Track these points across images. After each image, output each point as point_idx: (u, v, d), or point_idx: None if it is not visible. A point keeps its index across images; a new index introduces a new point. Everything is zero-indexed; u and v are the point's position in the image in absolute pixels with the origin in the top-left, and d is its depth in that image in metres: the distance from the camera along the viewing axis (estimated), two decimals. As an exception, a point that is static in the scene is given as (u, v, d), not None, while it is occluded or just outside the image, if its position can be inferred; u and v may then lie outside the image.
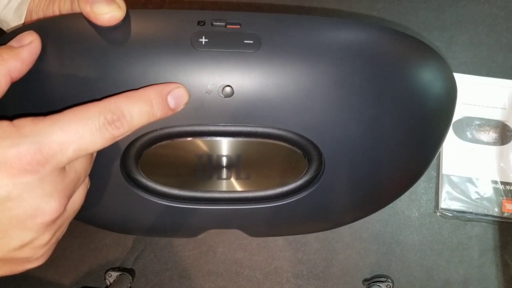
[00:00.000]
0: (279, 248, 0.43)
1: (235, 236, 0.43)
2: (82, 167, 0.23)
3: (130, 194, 0.28)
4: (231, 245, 0.43)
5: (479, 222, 0.42)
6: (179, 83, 0.24)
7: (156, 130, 0.26)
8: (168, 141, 0.27)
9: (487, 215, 0.41)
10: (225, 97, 0.25)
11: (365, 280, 0.42)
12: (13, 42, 0.24)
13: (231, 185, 0.29)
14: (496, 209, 0.41)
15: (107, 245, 0.43)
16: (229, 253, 0.43)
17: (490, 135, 0.42)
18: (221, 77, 0.25)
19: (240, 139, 0.28)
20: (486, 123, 0.42)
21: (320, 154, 0.28)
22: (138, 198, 0.28)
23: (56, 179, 0.21)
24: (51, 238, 0.23)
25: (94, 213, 0.29)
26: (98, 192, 0.28)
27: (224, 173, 0.29)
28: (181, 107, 0.24)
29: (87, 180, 0.25)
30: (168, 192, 0.29)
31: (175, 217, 0.29)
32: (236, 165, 0.29)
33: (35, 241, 0.22)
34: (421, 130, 0.29)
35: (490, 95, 0.43)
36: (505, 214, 0.41)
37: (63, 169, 0.22)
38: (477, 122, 0.43)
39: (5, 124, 0.20)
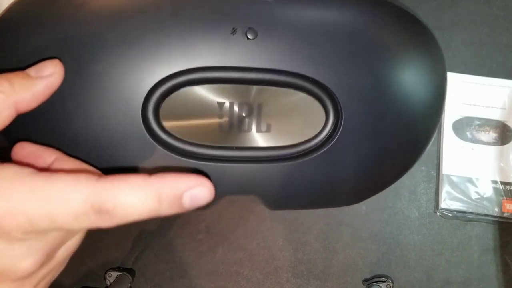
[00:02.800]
0: (279, 248, 0.43)
1: (235, 236, 0.43)
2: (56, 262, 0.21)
3: (146, 145, 0.26)
4: (231, 245, 0.43)
5: (479, 222, 0.42)
6: (203, 178, 0.20)
7: (176, 76, 0.26)
8: (189, 87, 0.27)
9: (487, 215, 0.41)
10: (248, 39, 0.26)
11: (365, 280, 0.42)
12: (31, 70, 0.21)
13: (250, 139, 0.29)
14: (496, 209, 0.41)
15: (107, 245, 0.43)
16: (229, 253, 0.43)
17: (490, 135, 0.42)
18: (245, 18, 0.26)
19: (261, 86, 0.28)
20: (486, 123, 0.42)
21: (337, 107, 0.28)
22: (153, 150, 0.26)
23: (30, 241, 0.19)
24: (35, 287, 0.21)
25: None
26: (113, 140, 0.26)
27: (245, 124, 0.28)
28: (197, 206, 0.20)
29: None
30: (182, 148, 0.27)
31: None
32: (257, 115, 0.28)
33: None
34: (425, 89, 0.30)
35: (490, 95, 0.43)
36: (505, 214, 0.41)
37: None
38: (477, 122, 0.43)
39: None
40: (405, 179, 0.43)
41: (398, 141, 0.30)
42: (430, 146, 0.32)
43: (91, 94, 0.25)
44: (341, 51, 0.27)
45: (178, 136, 0.27)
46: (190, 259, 0.43)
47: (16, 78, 0.21)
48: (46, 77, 0.21)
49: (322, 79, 0.27)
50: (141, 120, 0.26)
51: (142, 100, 0.26)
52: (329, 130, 0.29)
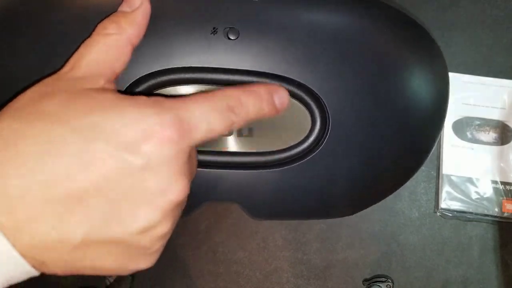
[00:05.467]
0: (279, 248, 0.43)
1: (235, 236, 0.43)
2: (196, 162, 0.23)
3: None
4: (231, 245, 0.43)
5: (479, 222, 0.42)
6: (281, 86, 0.24)
7: (158, 74, 0.25)
8: (167, 88, 0.26)
9: (487, 215, 0.41)
10: (229, 39, 0.25)
11: (365, 280, 0.42)
12: (124, 7, 0.23)
13: (231, 144, 0.27)
14: (496, 209, 0.41)
15: (107, 245, 0.43)
16: (229, 253, 0.43)
17: (490, 135, 0.42)
18: (226, 17, 0.25)
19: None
20: (486, 123, 0.42)
21: (324, 112, 0.27)
22: None
23: (188, 158, 0.20)
24: (171, 229, 0.22)
25: None
26: None
27: None
28: (283, 109, 0.23)
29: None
30: None
31: None
32: None
33: (157, 227, 0.20)
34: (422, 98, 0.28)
35: (490, 95, 0.43)
36: (505, 214, 0.41)
37: (191, 151, 0.21)
38: (477, 122, 0.43)
39: (144, 97, 0.20)
40: (405, 179, 0.43)
41: (393, 150, 0.28)
42: (426, 160, 0.31)
43: None
44: (328, 53, 0.26)
45: None
46: (190, 259, 0.43)
47: (119, 18, 0.23)
48: (140, 7, 0.23)
49: (307, 82, 0.26)
50: None
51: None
52: (315, 137, 0.27)
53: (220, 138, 0.27)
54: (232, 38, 0.25)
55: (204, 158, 0.27)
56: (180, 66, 0.25)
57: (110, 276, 0.41)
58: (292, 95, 0.26)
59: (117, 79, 0.23)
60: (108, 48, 0.22)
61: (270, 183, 0.27)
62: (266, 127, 0.27)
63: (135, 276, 0.42)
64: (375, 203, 0.32)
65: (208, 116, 0.20)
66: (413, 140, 0.29)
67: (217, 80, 0.26)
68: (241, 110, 0.21)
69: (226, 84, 0.26)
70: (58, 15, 0.25)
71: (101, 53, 0.22)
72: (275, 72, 0.26)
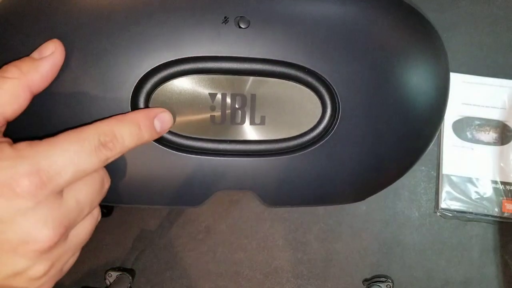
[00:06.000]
0: (279, 248, 0.43)
1: (235, 236, 0.43)
2: (86, 198, 0.22)
3: None
4: (231, 245, 0.43)
5: (479, 222, 0.42)
6: (164, 109, 0.25)
7: (166, 66, 0.25)
8: (179, 78, 0.26)
9: (487, 215, 0.41)
10: (240, 28, 0.25)
11: (365, 280, 0.42)
12: (34, 54, 0.23)
13: (244, 132, 0.28)
14: (496, 209, 0.41)
15: (107, 245, 0.43)
16: (229, 253, 0.43)
17: (490, 135, 0.42)
18: (237, 6, 0.25)
19: (255, 77, 0.27)
20: (486, 123, 0.43)
21: (334, 99, 0.27)
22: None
23: (52, 205, 0.20)
24: (48, 270, 0.22)
25: None
26: None
27: (238, 116, 0.27)
28: (165, 131, 0.25)
29: (96, 213, 0.24)
30: (173, 141, 0.27)
31: (179, 168, 0.27)
32: (251, 107, 0.27)
33: (28, 271, 0.21)
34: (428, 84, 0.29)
35: (490, 95, 0.43)
36: (505, 214, 0.41)
37: (60, 195, 0.21)
38: (477, 122, 0.43)
39: (4, 145, 0.20)
40: (405, 179, 0.43)
41: (401, 134, 0.29)
42: (430, 146, 0.32)
43: (80, 85, 0.25)
44: (339, 40, 0.27)
45: (170, 129, 0.27)
46: (190, 259, 0.43)
47: (22, 63, 0.22)
48: (49, 57, 0.23)
49: (318, 69, 0.26)
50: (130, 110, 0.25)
51: (131, 91, 0.25)
52: (326, 123, 0.28)
53: (232, 126, 0.27)
54: (243, 27, 0.25)
55: (216, 146, 0.27)
56: (191, 56, 0.25)
57: (110, 276, 0.41)
58: (303, 82, 0.27)
59: (5, 126, 0.22)
60: (3, 91, 0.21)
61: (282, 170, 0.28)
62: (278, 114, 0.28)
63: (135, 276, 0.42)
64: (383, 188, 0.32)
65: (74, 159, 0.20)
66: (419, 125, 0.30)
67: (228, 69, 0.26)
68: (115, 143, 0.22)
69: (238, 73, 0.26)
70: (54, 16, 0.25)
71: None
72: (286, 59, 0.26)
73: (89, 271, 0.43)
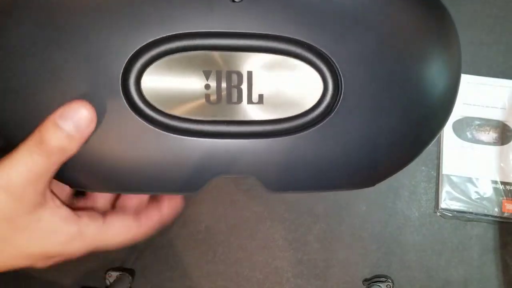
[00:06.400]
0: (279, 248, 0.43)
1: (235, 236, 0.43)
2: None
3: (128, 120, 0.25)
4: (231, 245, 0.43)
5: (479, 222, 0.42)
6: (78, 100, 0.24)
7: (157, 43, 0.24)
8: (172, 56, 0.25)
9: (487, 215, 0.41)
10: (234, 1, 0.24)
11: (365, 280, 0.42)
12: (71, 129, 0.24)
13: (241, 112, 0.26)
14: (496, 209, 0.41)
15: (107, 245, 0.43)
16: (229, 253, 0.43)
17: (490, 135, 0.42)
18: None
19: (251, 53, 0.25)
20: (486, 123, 0.42)
21: (336, 75, 0.26)
22: (136, 125, 0.25)
23: None
24: None
25: None
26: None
27: (234, 94, 0.26)
28: (87, 129, 0.24)
29: None
30: (167, 122, 0.26)
31: (173, 151, 0.26)
32: (247, 84, 0.26)
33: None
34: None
35: (490, 95, 0.43)
36: (505, 214, 0.41)
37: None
38: (477, 122, 0.43)
39: None
40: (405, 179, 0.43)
41: (411, 115, 0.27)
42: (430, 146, 0.31)
43: (68, 65, 0.24)
44: (339, 12, 0.25)
45: (162, 109, 0.25)
46: (190, 259, 0.43)
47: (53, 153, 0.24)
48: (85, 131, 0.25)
49: (317, 44, 0.25)
50: (121, 94, 0.25)
51: (121, 72, 0.24)
52: (328, 101, 0.26)
53: (228, 106, 0.26)
54: (237, 1, 0.24)
55: (211, 127, 0.26)
56: (183, 32, 0.24)
57: (110, 276, 0.41)
58: (302, 57, 0.26)
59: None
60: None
61: (284, 152, 0.26)
62: (277, 93, 0.26)
63: (134, 276, 0.42)
64: (395, 172, 0.30)
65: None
66: (429, 109, 0.28)
67: (223, 45, 0.25)
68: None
69: (233, 49, 0.25)
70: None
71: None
72: (283, 34, 0.25)
73: (89, 271, 0.43)
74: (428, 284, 0.42)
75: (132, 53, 0.24)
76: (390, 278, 0.42)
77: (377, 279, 0.41)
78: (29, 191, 0.24)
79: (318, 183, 0.28)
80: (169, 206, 0.31)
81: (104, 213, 0.29)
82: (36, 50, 0.25)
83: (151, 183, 0.27)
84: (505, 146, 0.42)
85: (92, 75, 0.24)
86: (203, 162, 0.26)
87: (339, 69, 0.26)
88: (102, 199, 0.31)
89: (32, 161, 0.23)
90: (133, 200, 0.31)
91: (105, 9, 0.24)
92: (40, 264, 0.27)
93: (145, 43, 0.24)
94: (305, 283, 0.43)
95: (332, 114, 0.26)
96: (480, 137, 0.42)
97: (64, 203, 0.27)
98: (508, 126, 0.42)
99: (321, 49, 0.25)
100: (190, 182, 0.27)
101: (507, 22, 0.44)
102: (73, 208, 0.28)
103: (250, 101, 0.26)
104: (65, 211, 0.26)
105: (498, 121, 0.42)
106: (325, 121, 0.26)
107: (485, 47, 0.44)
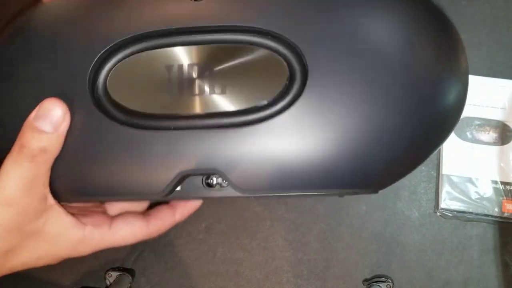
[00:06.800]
0: (279, 248, 0.43)
1: (235, 236, 0.43)
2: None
3: (93, 117, 0.25)
4: (231, 245, 0.43)
5: (479, 222, 0.42)
6: (48, 99, 0.24)
7: (120, 46, 0.25)
8: (137, 55, 0.25)
9: (487, 215, 0.41)
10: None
11: (365, 280, 0.42)
12: (47, 128, 0.24)
13: (204, 104, 0.26)
14: (496, 209, 0.41)
15: (107, 245, 0.43)
16: (229, 253, 0.43)
17: (490, 135, 0.42)
18: None
19: (213, 45, 0.25)
20: (486, 123, 0.42)
21: (302, 62, 0.25)
22: (101, 122, 0.25)
23: None
24: None
25: None
26: None
27: (196, 86, 0.25)
28: (62, 123, 0.24)
29: None
30: (131, 120, 0.26)
31: (134, 148, 0.25)
32: (209, 75, 0.25)
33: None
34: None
35: (490, 95, 0.43)
36: (505, 214, 0.41)
37: None
38: (477, 122, 0.43)
39: None
40: (405, 179, 0.43)
41: (402, 111, 0.25)
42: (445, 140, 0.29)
43: (37, 67, 0.25)
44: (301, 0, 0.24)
45: (126, 106, 0.26)
46: (190, 259, 0.43)
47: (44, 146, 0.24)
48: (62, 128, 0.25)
49: (281, 31, 0.24)
50: (88, 92, 0.25)
51: (88, 74, 0.25)
52: (294, 91, 0.25)
53: (190, 98, 0.25)
54: None
55: (172, 121, 0.26)
56: (143, 32, 0.25)
57: (110, 276, 0.41)
58: (264, 45, 0.25)
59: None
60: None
61: (248, 143, 0.25)
62: (240, 82, 0.26)
63: (135, 276, 0.42)
64: (392, 179, 0.28)
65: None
66: (418, 108, 0.25)
67: (183, 41, 0.25)
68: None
69: (193, 43, 0.25)
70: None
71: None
72: (244, 23, 0.25)
73: (89, 271, 0.43)
74: (428, 284, 0.42)
75: (98, 56, 0.25)
76: (390, 278, 0.42)
77: (377, 279, 0.41)
78: (27, 198, 0.24)
79: (293, 183, 0.26)
80: (183, 210, 0.32)
81: (112, 217, 0.30)
82: (4, 62, 0.26)
83: (114, 187, 0.26)
84: (505, 146, 0.42)
85: (60, 81, 0.25)
86: (166, 157, 0.25)
87: (304, 55, 0.25)
88: (114, 207, 0.32)
89: (20, 168, 0.24)
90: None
91: (69, 18, 0.25)
92: (48, 263, 0.28)
93: (111, 44, 0.25)
94: (305, 283, 0.43)
95: (297, 102, 0.25)
96: (480, 137, 0.42)
97: (70, 212, 0.28)
98: (508, 126, 0.42)
99: (284, 35, 0.25)
100: (153, 181, 0.26)
101: (507, 22, 0.44)
102: (83, 212, 0.29)
103: (212, 91, 0.25)
104: (69, 218, 0.27)
105: (498, 121, 0.42)
106: (289, 110, 0.25)
107: (485, 47, 0.44)
